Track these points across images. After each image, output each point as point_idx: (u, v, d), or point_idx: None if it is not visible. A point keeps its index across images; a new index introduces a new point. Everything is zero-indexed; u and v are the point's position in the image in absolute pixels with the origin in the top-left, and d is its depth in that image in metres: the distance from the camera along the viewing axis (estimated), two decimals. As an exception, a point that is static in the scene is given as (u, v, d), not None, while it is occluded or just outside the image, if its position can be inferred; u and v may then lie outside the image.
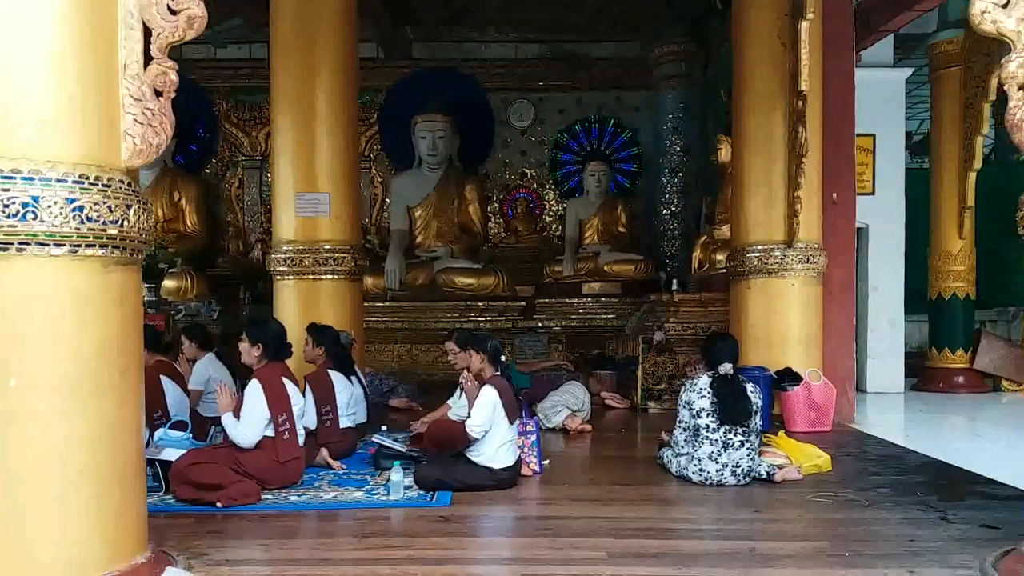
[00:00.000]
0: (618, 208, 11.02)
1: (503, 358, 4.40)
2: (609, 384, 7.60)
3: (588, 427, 6.00)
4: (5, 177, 2.42)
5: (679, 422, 4.40)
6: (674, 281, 8.05)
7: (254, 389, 4.09)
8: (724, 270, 7.28)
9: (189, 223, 10.73)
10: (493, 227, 11.72)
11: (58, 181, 2.49)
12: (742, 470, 4.22)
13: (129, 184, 2.70)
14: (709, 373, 4.33)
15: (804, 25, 5.99)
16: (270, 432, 4.09)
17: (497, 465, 4.19)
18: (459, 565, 3.09)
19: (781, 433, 5.04)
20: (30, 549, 2.48)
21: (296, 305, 6.49)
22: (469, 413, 4.23)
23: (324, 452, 4.73)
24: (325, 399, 4.88)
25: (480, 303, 9.91)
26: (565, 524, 3.56)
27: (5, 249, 2.43)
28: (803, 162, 6.17)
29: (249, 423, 4.04)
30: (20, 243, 2.44)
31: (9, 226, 2.42)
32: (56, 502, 2.52)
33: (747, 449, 4.23)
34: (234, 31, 10.07)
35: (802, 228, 6.32)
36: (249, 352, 4.24)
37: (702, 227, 9.85)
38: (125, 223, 2.65)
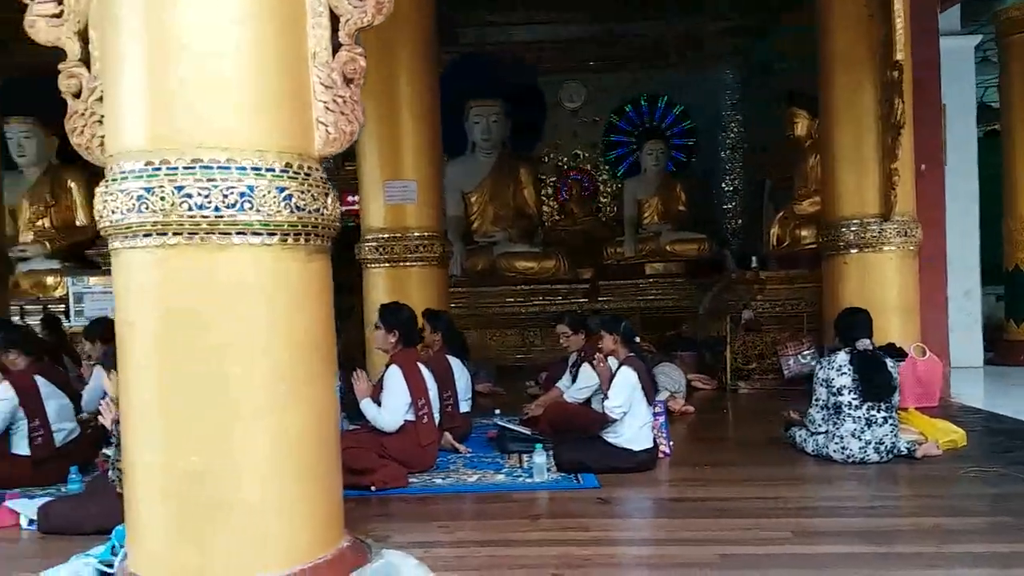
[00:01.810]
0: (677, 187, 10.84)
1: (636, 339, 4.37)
2: (692, 365, 7.55)
3: (690, 408, 5.96)
4: (222, 168, 2.40)
5: (815, 400, 4.33)
6: (752, 259, 7.96)
7: (394, 374, 4.09)
8: (812, 245, 7.19)
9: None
10: (547, 210, 11.65)
11: (268, 170, 2.46)
12: (885, 447, 4.17)
13: (324, 172, 2.69)
14: (846, 350, 4.27)
15: (898, -7, 5.89)
16: (411, 416, 4.10)
17: (637, 447, 4.16)
18: (653, 547, 3.08)
19: (912, 408, 4.97)
20: (264, 540, 2.47)
21: (387, 292, 6.44)
22: (605, 394, 4.19)
23: (448, 436, 4.72)
24: (445, 384, 4.85)
25: (543, 286, 9.87)
26: (732, 505, 3.52)
27: (224, 238, 2.42)
28: (900, 133, 6.08)
29: (392, 408, 4.05)
30: (237, 232, 2.43)
31: (229, 215, 2.40)
32: (276, 492, 2.50)
33: (890, 425, 4.18)
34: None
35: (898, 200, 6.24)
36: (385, 339, 4.24)
37: (765, 203, 9.74)
38: (324, 211, 2.63)
